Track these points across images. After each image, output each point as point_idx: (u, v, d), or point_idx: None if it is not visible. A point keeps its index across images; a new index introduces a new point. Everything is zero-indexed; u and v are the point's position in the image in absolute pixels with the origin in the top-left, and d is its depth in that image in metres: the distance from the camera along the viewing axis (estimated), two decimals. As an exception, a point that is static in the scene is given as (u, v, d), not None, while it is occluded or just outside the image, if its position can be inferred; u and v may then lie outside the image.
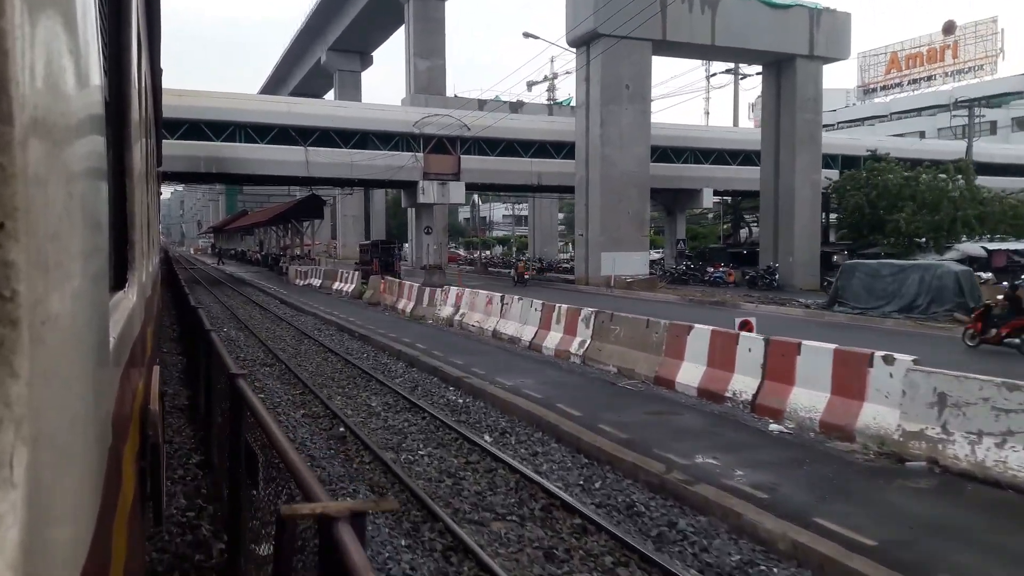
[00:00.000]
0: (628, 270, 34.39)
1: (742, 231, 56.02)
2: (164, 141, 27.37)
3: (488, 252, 79.71)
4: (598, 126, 34.61)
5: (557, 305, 13.86)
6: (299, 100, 44.04)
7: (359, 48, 72.01)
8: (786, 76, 37.66)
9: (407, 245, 54.61)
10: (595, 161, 34.98)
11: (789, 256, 37.31)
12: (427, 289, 21.17)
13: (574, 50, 36.39)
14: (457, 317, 18.21)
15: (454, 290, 19.28)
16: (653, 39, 34.27)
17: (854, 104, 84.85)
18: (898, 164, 40.27)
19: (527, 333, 14.63)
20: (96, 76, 1.33)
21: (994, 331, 15.00)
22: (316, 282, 35.01)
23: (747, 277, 37.27)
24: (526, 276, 37.51)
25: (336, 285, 31.29)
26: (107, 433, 1.44)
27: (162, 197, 34.99)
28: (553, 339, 13.54)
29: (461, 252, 79.63)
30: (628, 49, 33.54)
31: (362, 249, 43.44)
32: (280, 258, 51.76)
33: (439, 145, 41.44)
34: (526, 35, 37.13)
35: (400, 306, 22.35)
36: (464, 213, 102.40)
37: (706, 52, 38.52)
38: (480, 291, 17.93)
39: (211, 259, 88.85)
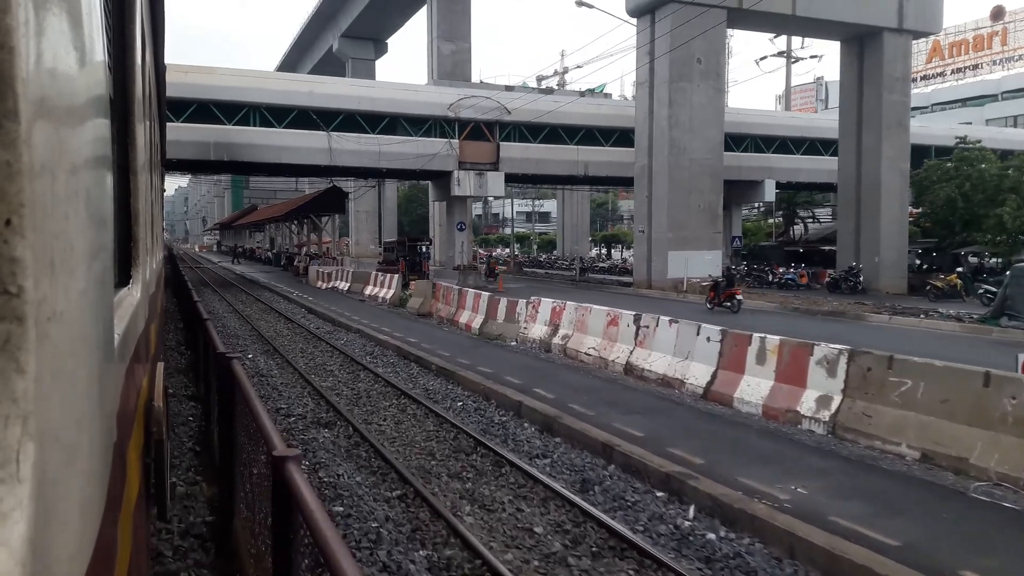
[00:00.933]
0: (699, 272, 29.90)
1: (795, 227, 51.44)
2: (169, 124, 23.18)
3: (506, 250, 75.47)
4: (665, 106, 30.09)
5: (754, 336, 9.23)
6: (322, 78, 39.46)
7: (373, 35, 67.52)
8: (871, 52, 33.12)
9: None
10: (661, 147, 30.48)
11: (875, 255, 32.83)
12: (503, 299, 16.64)
13: (634, 20, 31.86)
14: (557, 340, 13.67)
15: (547, 302, 14.74)
16: (728, 7, 29.76)
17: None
18: (993, 153, 35.83)
19: (695, 374, 10.02)
20: (100, 72, 1.32)
21: (718, 298, 21.73)
22: (343, 285, 30.49)
23: (827, 280, 32.81)
24: (496, 271, 35.91)
25: (369, 290, 26.77)
26: (112, 429, 1.43)
27: (166, 193, 31.00)
28: (755, 388, 8.95)
29: (479, 250, 75.34)
30: (700, 18, 28.96)
31: (386, 247, 39.06)
32: (295, 257, 47.24)
33: (475, 131, 36.89)
34: (579, 3, 32.57)
35: (463, 320, 17.85)
36: (476, 209, 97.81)
37: (784, 24, 33.90)
38: (592, 305, 13.38)
39: (217, 257, 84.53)
